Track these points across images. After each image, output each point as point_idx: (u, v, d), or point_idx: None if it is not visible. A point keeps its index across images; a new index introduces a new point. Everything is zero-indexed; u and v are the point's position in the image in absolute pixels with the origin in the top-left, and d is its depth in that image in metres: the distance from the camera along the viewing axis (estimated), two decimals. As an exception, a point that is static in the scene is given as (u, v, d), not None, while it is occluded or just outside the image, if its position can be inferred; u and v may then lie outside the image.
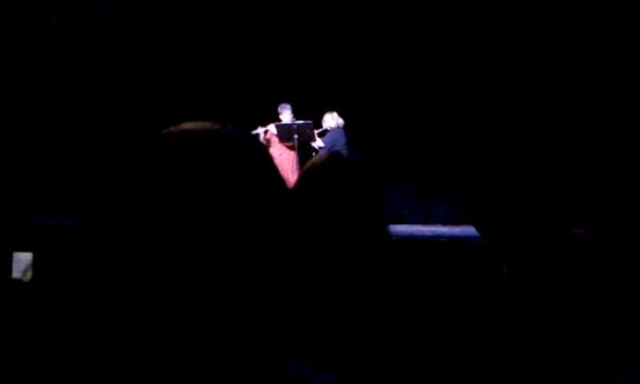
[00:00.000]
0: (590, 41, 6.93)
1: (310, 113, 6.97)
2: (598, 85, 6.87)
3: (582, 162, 6.45)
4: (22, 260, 3.09)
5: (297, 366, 0.57)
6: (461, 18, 7.47)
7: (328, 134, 6.88)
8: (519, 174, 1.21)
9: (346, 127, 6.95)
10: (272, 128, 6.98)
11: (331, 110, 6.97)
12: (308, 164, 1.33)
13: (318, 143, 6.83)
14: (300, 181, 1.28)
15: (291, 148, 6.91)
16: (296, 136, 6.79)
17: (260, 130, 6.97)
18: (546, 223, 1.19)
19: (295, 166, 6.78)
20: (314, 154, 6.57)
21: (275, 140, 6.96)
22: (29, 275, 2.97)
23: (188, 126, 0.58)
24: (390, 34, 7.74)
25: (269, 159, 0.61)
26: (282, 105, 6.97)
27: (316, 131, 6.86)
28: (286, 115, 6.93)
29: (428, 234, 6.44)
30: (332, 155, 1.31)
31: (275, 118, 7.01)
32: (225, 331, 0.51)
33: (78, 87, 7.15)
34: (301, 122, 6.84)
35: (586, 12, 6.91)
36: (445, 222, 7.66)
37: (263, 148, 0.62)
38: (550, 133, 6.69)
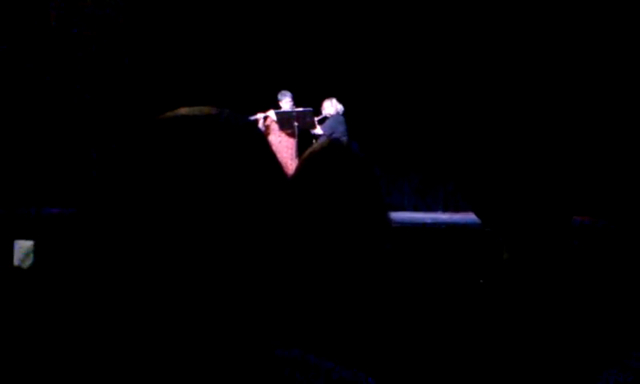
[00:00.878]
0: (590, 28, 6.89)
1: (310, 99, 6.95)
2: (598, 71, 6.85)
3: (582, 149, 6.43)
4: (23, 247, 3.10)
5: (300, 353, 0.57)
6: (462, 3, 7.43)
7: (327, 121, 6.85)
8: (519, 160, 1.21)
9: (345, 114, 6.92)
10: (271, 114, 6.95)
11: (330, 96, 6.94)
12: (308, 151, 1.32)
13: (318, 130, 6.81)
14: (300, 168, 1.27)
15: (290, 135, 6.88)
16: (296, 123, 6.77)
17: (259, 116, 6.94)
18: (546, 209, 1.19)
19: (294, 154, 6.77)
20: (313, 141, 6.55)
21: (274, 127, 6.93)
22: (29, 262, 2.98)
23: (184, 110, 0.57)
24: (390, 21, 7.69)
25: (267, 145, 0.60)
26: (282, 92, 6.93)
27: (315, 118, 6.83)
28: (286, 102, 6.90)
29: (428, 220, 6.45)
30: (332, 142, 1.31)
31: (274, 104, 6.99)
32: (223, 321, 0.50)
33: (78, 87, 7.14)
34: (301, 109, 6.81)
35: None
36: (445, 209, 7.67)
37: (261, 134, 0.61)
38: (550, 118, 6.67)
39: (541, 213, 1.18)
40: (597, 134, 6.71)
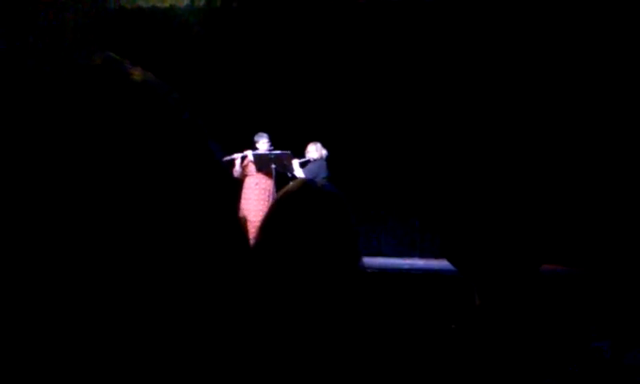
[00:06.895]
0: (568, 77, 7.09)
1: (292, 142, 6.90)
2: (572, 124, 7.03)
3: (551, 199, 6.54)
4: None
5: None
6: (438, 59, 7.61)
7: (310, 165, 6.73)
8: (491, 211, 1.23)
9: (328, 159, 6.87)
10: (249, 155, 6.84)
11: (314, 140, 6.87)
12: (281, 192, 1.32)
13: (299, 173, 6.69)
14: (272, 209, 1.27)
15: (268, 177, 6.78)
16: (273, 166, 6.70)
17: (236, 156, 6.82)
18: (516, 257, 1.21)
19: (272, 196, 6.70)
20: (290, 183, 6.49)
21: (252, 168, 6.80)
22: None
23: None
24: (374, 70, 7.82)
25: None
26: (259, 133, 6.84)
27: (299, 161, 6.71)
28: (263, 143, 6.81)
29: (405, 266, 6.45)
30: (305, 183, 1.31)
31: (251, 145, 6.91)
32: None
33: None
34: (278, 151, 6.73)
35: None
36: (422, 255, 7.68)
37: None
38: (522, 170, 6.79)
39: (511, 262, 1.20)
40: (566, 185, 6.84)
